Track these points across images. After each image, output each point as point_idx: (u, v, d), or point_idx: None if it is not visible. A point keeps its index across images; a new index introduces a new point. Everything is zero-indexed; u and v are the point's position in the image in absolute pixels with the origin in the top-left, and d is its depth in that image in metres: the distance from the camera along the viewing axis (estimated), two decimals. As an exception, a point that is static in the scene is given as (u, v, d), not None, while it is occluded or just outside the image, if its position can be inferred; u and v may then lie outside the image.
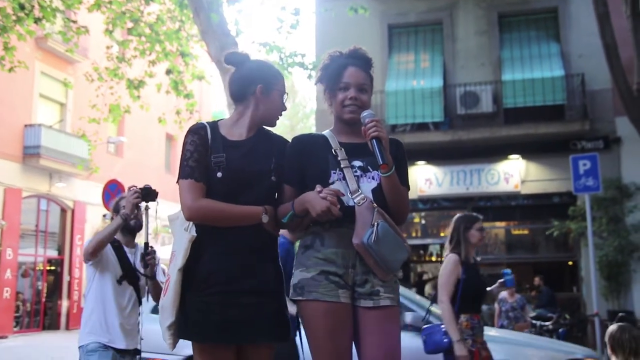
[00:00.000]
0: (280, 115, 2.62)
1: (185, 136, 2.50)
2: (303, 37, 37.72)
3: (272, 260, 2.52)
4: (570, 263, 13.35)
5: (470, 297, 4.26)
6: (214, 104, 31.63)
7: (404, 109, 12.90)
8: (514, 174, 12.88)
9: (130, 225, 3.91)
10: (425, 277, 14.28)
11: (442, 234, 13.80)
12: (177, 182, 2.46)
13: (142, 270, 3.86)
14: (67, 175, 19.34)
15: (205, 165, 2.44)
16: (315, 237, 2.50)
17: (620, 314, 9.55)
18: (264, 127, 2.64)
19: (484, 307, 8.28)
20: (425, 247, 14.47)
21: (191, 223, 2.44)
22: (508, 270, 4.69)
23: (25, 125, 18.11)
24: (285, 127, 33.67)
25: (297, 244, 3.08)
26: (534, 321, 10.07)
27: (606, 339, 3.81)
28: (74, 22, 10.52)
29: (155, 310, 4.26)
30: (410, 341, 4.62)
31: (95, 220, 19.50)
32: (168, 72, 11.13)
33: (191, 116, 11.58)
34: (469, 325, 4.20)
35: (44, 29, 11.44)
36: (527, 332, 8.75)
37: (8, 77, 13.02)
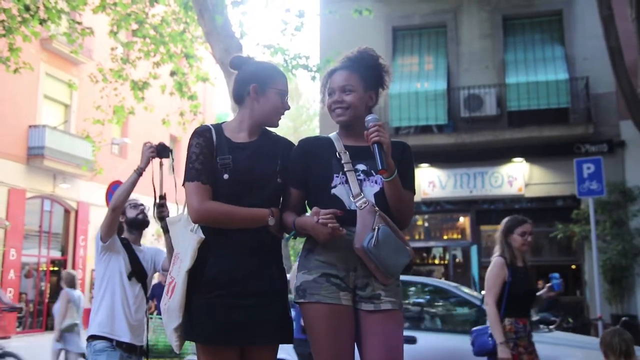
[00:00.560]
0: (280, 114, 2.59)
1: (190, 138, 2.51)
2: (307, 39, 37.70)
3: (276, 262, 2.53)
4: (573, 266, 13.31)
5: (515, 301, 4.27)
6: (218, 105, 31.68)
7: (407, 112, 12.90)
8: (517, 177, 12.86)
9: (139, 219, 4.02)
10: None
11: (445, 237, 13.79)
12: (183, 184, 2.47)
13: (147, 266, 3.98)
14: (71, 176, 19.38)
15: (211, 167, 2.45)
16: (317, 240, 2.51)
17: (623, 318, 9.52)
18: (268, 129, 2.64)
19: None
20: (428, 249, 14.44)
21: (197, 225, 2.45)
22: (556, 275, 4.62)
23: (30, 126, 18.15)
24: (289, 129, 33.67)
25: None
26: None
27: (599, 345, 3.84)
28: (79, 23, 10.56)
29: None
30: None
31: (98, 221, 19.39)
32: (172, 73, 11.16)
33: (195, 118, 11.61)
34: (512, 329, 4.23)
35: (49, 31, 11.47)
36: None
37: (13, 78, 13.06)
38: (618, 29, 9.90)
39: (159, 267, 4.09)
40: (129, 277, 3.89)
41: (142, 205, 4.12)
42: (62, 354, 8.30)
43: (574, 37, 12.96)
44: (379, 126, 2.42)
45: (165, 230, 3.68)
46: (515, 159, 12.87)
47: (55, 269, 19.89)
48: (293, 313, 2.57)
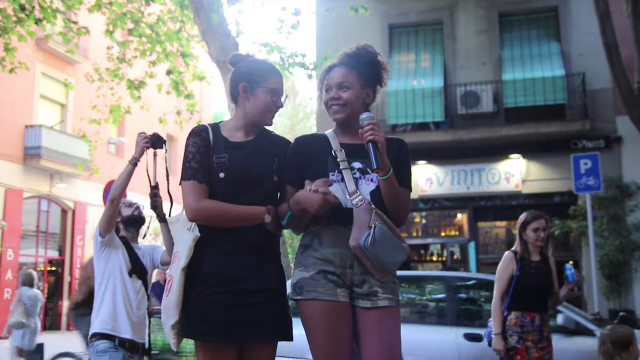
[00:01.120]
0: (272, 112, 2.56)
1: (188, 138, 2.52)
2: (303, 37, 37.71)
3: (274, 259, 2.53)
4: (571, 262, 13.30)
5: (522, 295, 4.32)
6: (214, 104, 31.65)
7: (404, 109, 12.90)
8: (514, 173, 12.87)
9: (134, 215, 4.07)
10: None
11: (442, 234, 13.80)
12: (180, 183, 2.48)
13: (146, 263, 4.03)
14: (67, 176, 19.35)
15: (208, 166, 2.46)
16: (313, 236, 2.51)
17: (621, 314, 9.53)
18: (265, 128, 2.64)
19: None
20: (426, 246, 14.46)
21: (194, 223, 2.46)
22: (569, 265, 4.59)
23: (26, 126, 18.13)
24: (286, 127, 33.68)
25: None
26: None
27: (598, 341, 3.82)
28: (75, 22, 10.52)
29: None
30: (561, 343, 4.75)
31: (95, 221, 19.43)
32: (168, 72, 11.13)
33: (191, 116, 11.59)
34: (518, 323, 4.28)
35: (45, 30, 11.45)
36: None
37: (9, 78, 13.03)
38: (614, 24, 9.91)
39: (157, 262, 4.12)
40: (130, 274, 3.91)
41: (135, 203, 4.17)
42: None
43: (570, 33, 12.98)
44: (374, 124, 2.41)
45: (161, 219, 3.70)
46: (512, 156, 12.88)
47: (53, 268, 19.88)
48: None
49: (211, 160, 2.46)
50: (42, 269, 19.36)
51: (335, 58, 2.66)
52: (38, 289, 9.02)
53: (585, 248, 11.61)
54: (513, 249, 4.53)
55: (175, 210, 2.90)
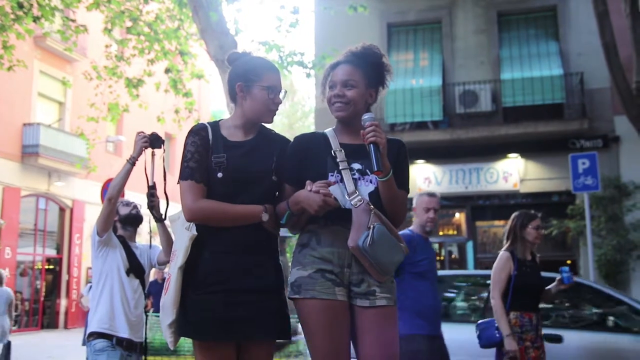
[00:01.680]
0: (271, 110, 2.54)
1: (187, 137, 2.51)
2: (302, 35, 37.66)
3: (272, 258, 2.53)
4: (568, 262, 13.34)
5: (521, 295, 4.32)
6: (213, 102, 31.61)
7: (403, 108, 12.90)
8: (512, 172, 12.88)
9: (132, 214, 4.08)
10: None
11: (440, 233, 13.80)
12: (178, 182, 2.48)
13: (144, 262, 4.03)
14: (65, 174, 19.33)
15: (206, 166, 2.45)
16: (311, 235, 2.50)
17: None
18: (266, 127, 2.64)
19: None
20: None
21: (192, 223, 2.46)
22: (565, 268, 4.60)
23: (24, 124, 18.10)
24: (284, 126, 33.67)
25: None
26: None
27: None
28: (73, 20, 10.51)
29: None
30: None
31: (94, 219, 19.38)
32: (167, 70, 11.12)
33: (190, 115, 11.58)
34: (517, 323, 4.28)
35: (43, 28, 11.42)
36: None
37: (7, 76, 13.01)
38: (612, 24, 9.91)
39: (154, 261, 4.12)
40: (127, 273, 3.92)
41: (133, 202, 4.17)
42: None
43: (569, 33, 12.99)
44: (376, 126, 2.40)
45: (158, 219, 3.71)
46: (511, 155, 12.89)
47: (51, 267, 19.86)
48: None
49: (210, 160, 2.46)
50: (40, 267, 19.34)
51: (340, 55, 2.63)
52: (36, 287, 9.08)
53: (583, 247, 11.62)
54: (506, 248, 4.50)
55: (171, 210, 2.89)
